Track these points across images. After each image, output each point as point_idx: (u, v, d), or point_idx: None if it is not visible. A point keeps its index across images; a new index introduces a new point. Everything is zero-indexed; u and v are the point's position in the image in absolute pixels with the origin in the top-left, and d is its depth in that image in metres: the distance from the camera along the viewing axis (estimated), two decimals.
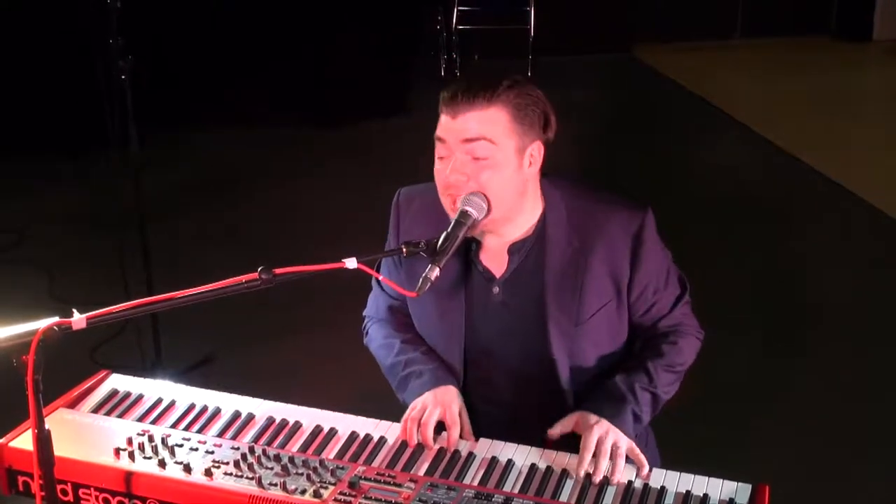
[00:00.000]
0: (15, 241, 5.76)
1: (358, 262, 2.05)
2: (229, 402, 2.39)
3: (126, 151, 4.24)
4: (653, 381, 2.34)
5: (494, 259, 2.37)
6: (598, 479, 2.12)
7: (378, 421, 2.32)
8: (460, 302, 2.39)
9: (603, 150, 6.82)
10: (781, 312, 4.87)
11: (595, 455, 2.16)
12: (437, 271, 2.12)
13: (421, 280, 2.12)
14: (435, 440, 2.25)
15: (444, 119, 2.23)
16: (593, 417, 2.24)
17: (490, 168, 2.21)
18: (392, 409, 2.42)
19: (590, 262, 2.31)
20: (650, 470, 2.15)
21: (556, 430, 2.26)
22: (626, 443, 2.20)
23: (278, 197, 6.25)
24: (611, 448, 2.17)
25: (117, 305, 1.93)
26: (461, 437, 2.28)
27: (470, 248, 2.36)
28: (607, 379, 2.35)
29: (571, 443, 2.23)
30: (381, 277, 2.27)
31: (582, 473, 2.13)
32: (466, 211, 2.19)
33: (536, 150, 2.27)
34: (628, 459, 2.18)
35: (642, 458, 2.17)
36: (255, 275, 1.99)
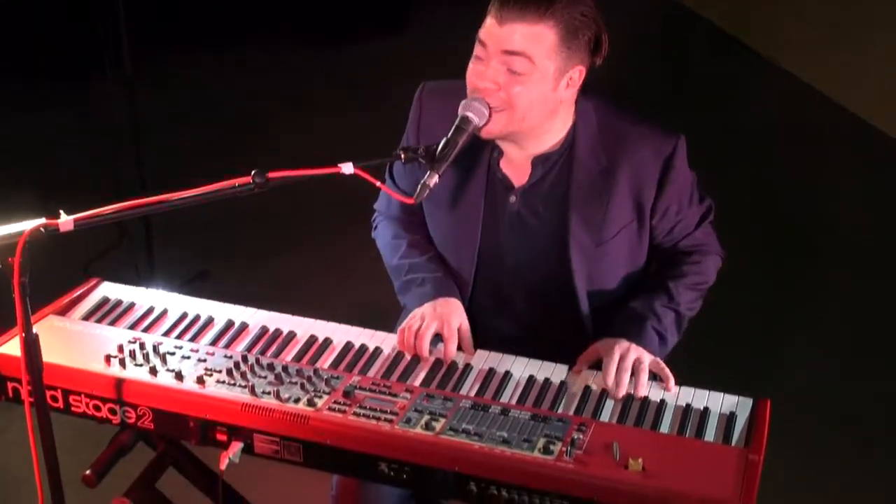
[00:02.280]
0: (7, 160, 5.66)
1: (355, 167, 1.97)
2: (222, 312, 2.33)
3: (120, 72, 4.14)
4: (674, 300, 2.27)
5: (516, 169, 2.27)
6: (620, 393, 2.06)
7: (374, 332, 2.27)
8: (476, 209, 2.29)
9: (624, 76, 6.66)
10: (792, 236, 4.82)
11: (618, 371, 2.09)
12: (435, 178, 2.04)
13: (419, 186, 2.03)
14: (431, 352, 2.19)
15: (489, 22, 2.09)
16: (614, 340, 2.17)
17: (523, 84, 2.08)
18: (388, 324, 2.36)
19: (616, 179, 2.21)
20: (679, 388, 2.09)
21: (580, 365, 2.17)
22: (648, 358, 2.13)
23: (273, 118, 6.12)
24: (633, 364, 2.10)
25: (105, 207, 1.85)
26: (461, 350, 2.21)
27: (492, 155, 2.26)
28: (626, 303, 2.28)
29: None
30: (378, 184, 2.17)
31: (609, 384, 2.07)
32: (467, 117, 2.09)
33: (577, 74, 2.14)
34: (654, 377, 2.12)
35: (668, 371, 2.10)
36: (248, 178, 1.91)
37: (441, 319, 2.23)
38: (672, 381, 2.09)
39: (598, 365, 2.15)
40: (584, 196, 2.23)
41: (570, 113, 2.23)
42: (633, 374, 2.09)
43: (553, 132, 2.23)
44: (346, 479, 2.29)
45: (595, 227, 2.24)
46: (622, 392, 2.06)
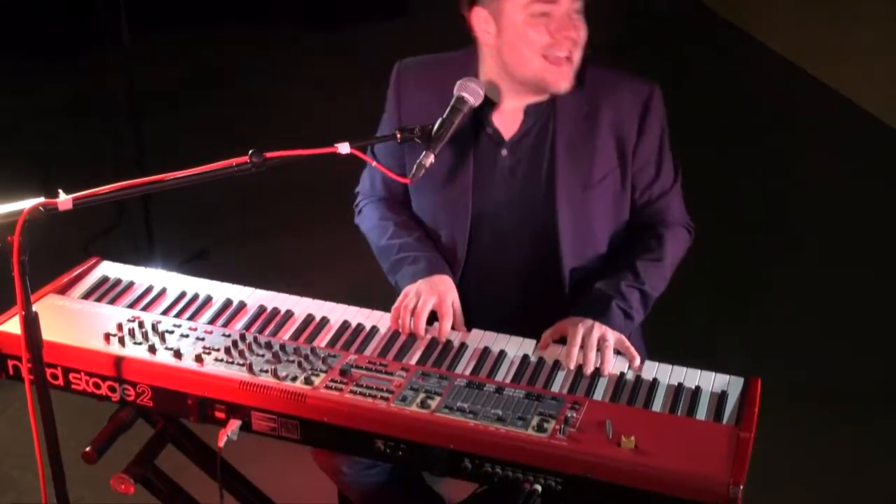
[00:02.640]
0: (8, 135, 5.65)
1: (351, 147, 1.97)
2: (220, 291, 2.32)
3: (118, 47, 4.13)
4: (639, 278, 2.27)
5: (507, 120, 2.28)
6: (588, 370, 2.06)
7: (370, 311, 2.26)
8: (467, 169, 2.29)
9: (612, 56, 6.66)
10: (771, 216, 4.82)
11: (583, 349, 2.10)
12: (431, 158, 2.04)
13: (415, 166, 2.03)
14: (427, 331, 2.19)
15: None
16: (578, 318, 2.18)
17: (582, 22, 2.17)
18: (384, 304, 2.34)
19: (599, 124, 2.25)
20: (643, 362, 2.10)
21: (544, 341, 2.18)
22: (613, 336, 2.13)
23: (272, 98, 6.11)
24: (598, 341, 2.11)
25: (104, 187, 1.84)
26: (453, 328, 2.21)
27: (482, 110, 2.25)
28: (593, 283, 2.28)
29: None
30: (374, 163, 2.17)
31: (572, 366, 2.08)
32: (462, 97, 2.10)
33: None
34: (620, 354, 2.12)
35: (633, 350, 2.11)
36: (245, 158, 1.91)
37: (438, 296, 2.23)
38: (637, 359, 2.10)
39: (564, 341, 2.15)
40: (570, 141, 2.25)
41: None
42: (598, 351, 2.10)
43: None
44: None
45: (581, 172, 2.26)
46: (589, 368, 2.06)
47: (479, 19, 2.19)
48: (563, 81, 2.19)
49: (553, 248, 2.29)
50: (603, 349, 2.10)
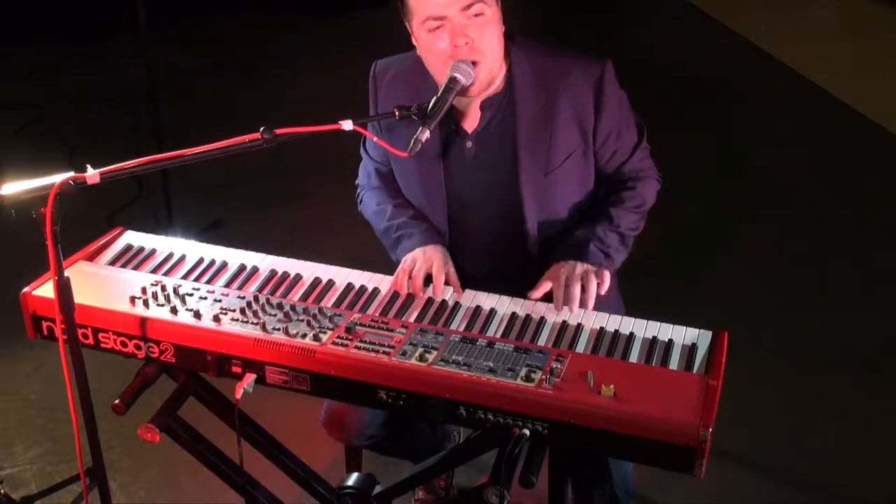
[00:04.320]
0: (36, 117, 5.61)
1: (354, 124, 1.97)
2: (235, 257, 2.33)
3: (137, 34, 4.10)
4: (614, 222, 2.29)
5: (467, 116, 2.29)
6: (574, 307, 2.08)
7: (372, 274, 2.27)
8: (438, 160, 2.31)
9: (550, 25, 6.61)
10: (732, 181, 4.83)
11: (566, 285, 2.12)
12: (427, 133, 2.04)
13: (412, 141, 2.03)
14: (424, 291, 2.20)
15: None
16: (560, 264, 2.20)
17: (486, 24, 2.12)
18: (385, 268, 2.35)
19: (556, 112, 2.23)
20: (619, 313, 2.11)
21: (536, 293, 2.18)
22: (592, 269, 2.15)
23: (281, 82, 6.07)
24: (580, 276, 2.12)
25: (129, 162, 1.84)
26: (449, 284, 2.22)
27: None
28: (570, 232, 2.30)
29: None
30: (375, 138, 2.18)
31: (559, 308, 2.09)
32: (455, 77, 2.10)
33: (498, 4, 2.19)
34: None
35: (607, 277, 2.12)
36: (257, 135, 1.91)
37: (431, 260, 2.25)
38: (607, 284, 2.10)
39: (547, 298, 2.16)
40: (530, 130, 2.24)
41: (503, 57, 2.25)
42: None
43: (498, 75, 2.24)
44: (335, 405, 2.35)
45: (542, 158, 2.25)
46: (574, 305, 2.08)
47: (411, 34, 2.21)
48: (476, 85, 2.15)
49: (521, 223, 2.30)
50: (586, 283, 2.11)
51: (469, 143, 2.29)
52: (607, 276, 2.14)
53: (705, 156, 5.05)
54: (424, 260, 2.25)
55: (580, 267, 2.16)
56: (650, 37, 6.63)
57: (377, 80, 2.39)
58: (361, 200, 2.56)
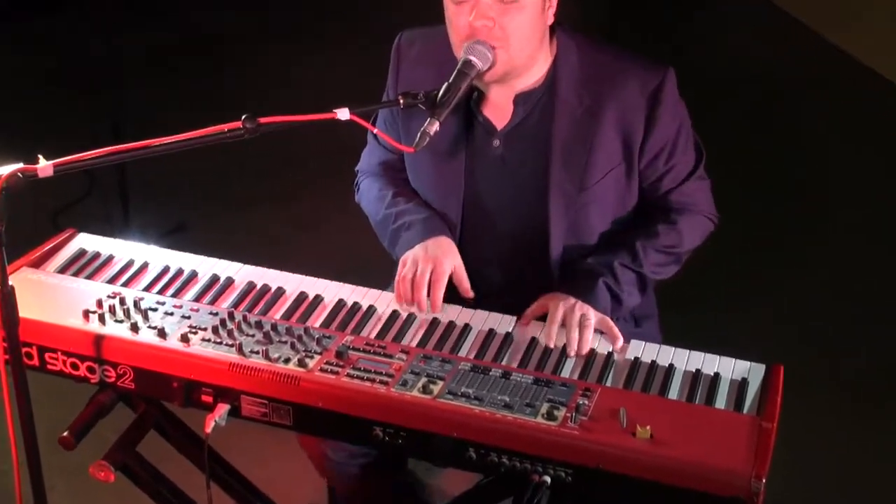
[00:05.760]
0: None
1: (351, 113, 1.98)
2: (206, 266, 2.34)
3: (95, 12, 4.11)
4: (637, 260, 2.28)
5: (497, 110, 2.30)
6: (571, 351, 2.10)
7: (367, 289, 2.28)
8: (460, 155, 2.32)
9: (609, 19, 6.65)
10: (796, 193, 4.85)
11: (564, 328, 2.13)
12: (436, 125, 2.06)
13: (419, 134, 2.05)
14: (428, 304, 2.21)
15: None
16: (561, 296, 2.21)
17: (517, 11, 2.12)
18: (382, 282, 2.38)
19: (601, 120, 2.24)
20: (626, 344, 2.13)
21: (526, 319, 2.21)
22: (595, 316, 2.16)
23: (267, 61, 6.06)
24: (579, 320, 2.14)
25: (87, 153, 1.85)
26: (459, 294, 2.24)
27: (471, 98, 2.28)
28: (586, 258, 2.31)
29: None
30: (375, 130, 2.19)
31: (551, 344, 2.11)
32: (470, 61, 2.11)
33: None
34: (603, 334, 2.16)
35: (616, 331, 2.14)
36: (238, 123, 1.92)
37: (433, 262, 2.24)
38: (620, 341, 2.12)
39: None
40: (568, 137, 2.25)
41: (548, 46, 2.26)
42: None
43: (537, 66, 2.25)
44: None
45: (578, 171, 2.26)
46: (574, 348, 2.10)
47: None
48: (493, 69, 2.15)
49: (544, 241, 2.31)
50: (582, 329, 2.12)
51: (496, 142, 2.30)
52: (614, 328, 2.15)
53: (760, 164, 5.06)
54: (426, 261, 2.25)
55: (579, 309, 2.16)
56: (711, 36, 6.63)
57: (401, 54, 2.39)
58: (359, 188, 2.57)
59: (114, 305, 2.13)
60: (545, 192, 2.28)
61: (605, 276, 2.24)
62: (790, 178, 4.99)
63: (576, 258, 2.32)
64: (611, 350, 2.12)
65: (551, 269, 2.34)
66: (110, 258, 2.36)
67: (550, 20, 2.22)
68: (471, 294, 2.25)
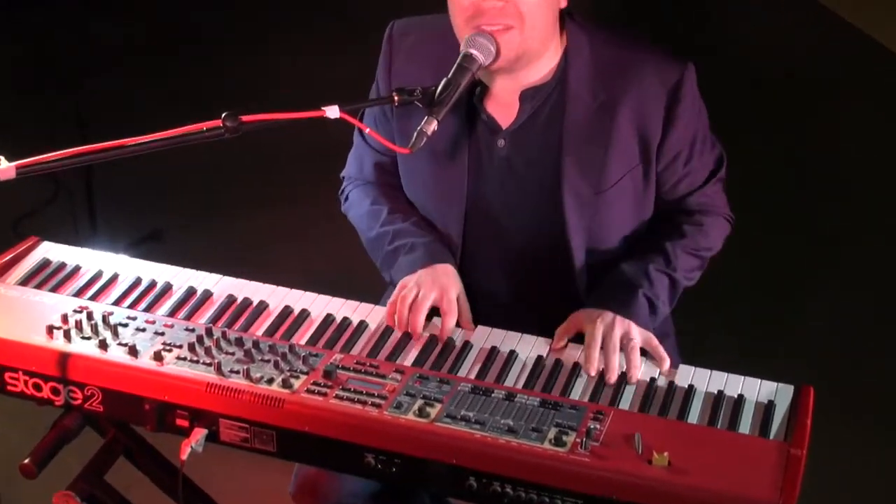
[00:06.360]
0: None
1: (341, 111, 1.99)
2: (182, 277, 2.34)
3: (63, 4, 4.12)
4: (671, 264, 2.29)
5: (502, 107, 2.29)
6: (612, 378, 2.09)
7: (358, 303, 2.28)
8: (461, 157, 2.32)
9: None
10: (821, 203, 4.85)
11: (604, 351, 2.13)
12: (434, 124, 2.06)
13: (416, 134, 2.05)
14: (426, 328, 2.21)
15: None
16: (597, 312, 2.20)
17: None
18: (373, 295, 2.38)
19: (617, 117, 2.24)
20: (673, 366, 2.12)
21: (559, 340, 2.20)
22: (639, 334, 2.16)
23: (248, 59, 6.07)
24: (621, 342, 2.14)
25: (52, 153, 1.86)
26: (458, 326, 2.24)
27: (473, 94, 2.28)
28: (617, 265, 2.30)
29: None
30: (367, 130, 2.20)
31: (592, 372, 2.10)
32: (471, 55, 2.12)
33: None
34: (646, 354, 2.15)
35: (662, 351, 2.14)
36: (218, 122, 1.93)
37: (439, 289, 2.25)
38: (667, 362, 2.12)
39: (580, 339, 2.18)
40: (581, 136, 2.25)
41: (559, 36, 2.26)
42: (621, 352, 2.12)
43: (546, 57, 2.26)
44: (309, 471, 2.32)
45: (593, 173, 2.27)
46: (613, 376, 2.09)
47: None
48: (503, 55, 2.16)
49: (559, 238, 2.31)
50: (628, 351, 2.12)
51: (501, 141, 2.30)
52: (659, 347, 2.14)
53: (789, 167, 5.07)
54: (431, 287, 2.25)
55: (621, 326, 2.16)
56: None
57: (393, 44, 2.38)
58: (347, 198, 2.56)
59: (80, 321, 2.13)
60: (557, 196, 2.28)
61: (642, 284, 2.24)
62: (822, 181, 5.00)
63: (601, 267, 2.32)
64: (654, 376, 2.10)
65: (575, 281, 2.34)
66: (77, 269, 2.35)
67: (564, 3, 2.22)
68: (472, 328, 2.24)
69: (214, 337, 2.11)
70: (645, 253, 2.31)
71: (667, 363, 2.12)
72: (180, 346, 2.08)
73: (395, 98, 2.11)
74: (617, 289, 2.25)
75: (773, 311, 4.09)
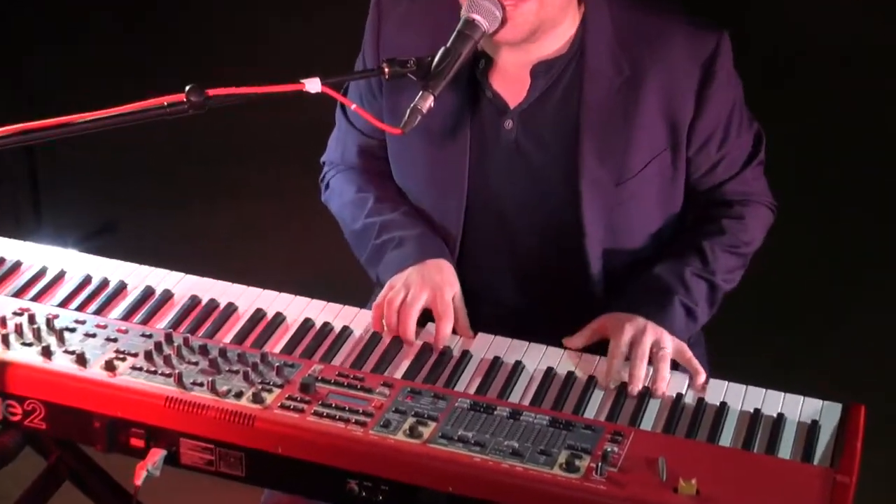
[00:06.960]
0: None
1: (323, 85, 1.97)
2: (138, 276, 2.34)
3: None
4: (709, 266, 2.28)
5: (510, 82, 2.28)
6: (636, 388, 2.08)
7: (340, 306, 2.28)
8: (462, 139, 2.31)
9: None
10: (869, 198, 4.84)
11: (630, 360, 2.11)
12: (430, 101, 2.04)
13: (408, 112, 2.03)
14: (418, 334, 2.19)
15: None
16: (626, 316, 2.19)
17: None
18: (357, 297, 2.37)
19: (642, 95, 2.23)
20: (707, 380, 2.11)
21: (576, 341, 2.19)
22: (671, 343, 2.14)
23: (220, 22, 6.06)
24: (650, 351, 2.11)
25: None
26: (454, 332, 2.22)
27: (476, 67, 2.26)
28: (648, 267, 2.30)
29: (603, 349, 2.17)
30: (353, 106, 2.16)
31: (612, 386, 2.09)
32: (473, 20, 2.09)
33: None
34: (675, 367, 2.13)
35: (696, 363, 2.12)
36: (181, 96, 1.90)
37: (431, 289, 2.23)
38: (703, 376, 2.11)
39: (599, 348, 2.17)
40: (601, 117, 2.25)
41: (575, 2, 2.25)
42: (650, 362, 2.11)
43: (562, 28, 2.25)
44: (282, 499, 2.29)
45: (615, 159, 2.26)
46: (637, 388, 2.08)
47: None
48: (513, 25, 2.13)
49: (577, 245, 2.31)
50: (657, 361, 2.10)
51: (509, 122, 2.28)
52: (693, 360, 2.13)
53: (830, 160, 5.06)
54: (423, 286, 2.23)
55: (653, 333, 2.14)
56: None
57: (381, 11, 2.37)
58: (328, 185, 2.56)
59: (21, 324, 2.11)
60: (573, 185, 2.27)
61: (678, 290, 2.24)
62: (870, 176, 4.99)
63: (622, 268, 2.32)
64: (681, 392, 2.09)
65: (591, 283, 2.34)
66: (17, 265, 2.35)
67: None
68: (471, 335, 2.23)
69: (175, 344, 2.09)
70: (680, 253, 2.31)
71: (702, 377, 2.11)
72: (135, 355, 2.06)
73: (386, 70, 2.09)
74: (650, 294, 2.25)
75: (818, 319, 4.09)
